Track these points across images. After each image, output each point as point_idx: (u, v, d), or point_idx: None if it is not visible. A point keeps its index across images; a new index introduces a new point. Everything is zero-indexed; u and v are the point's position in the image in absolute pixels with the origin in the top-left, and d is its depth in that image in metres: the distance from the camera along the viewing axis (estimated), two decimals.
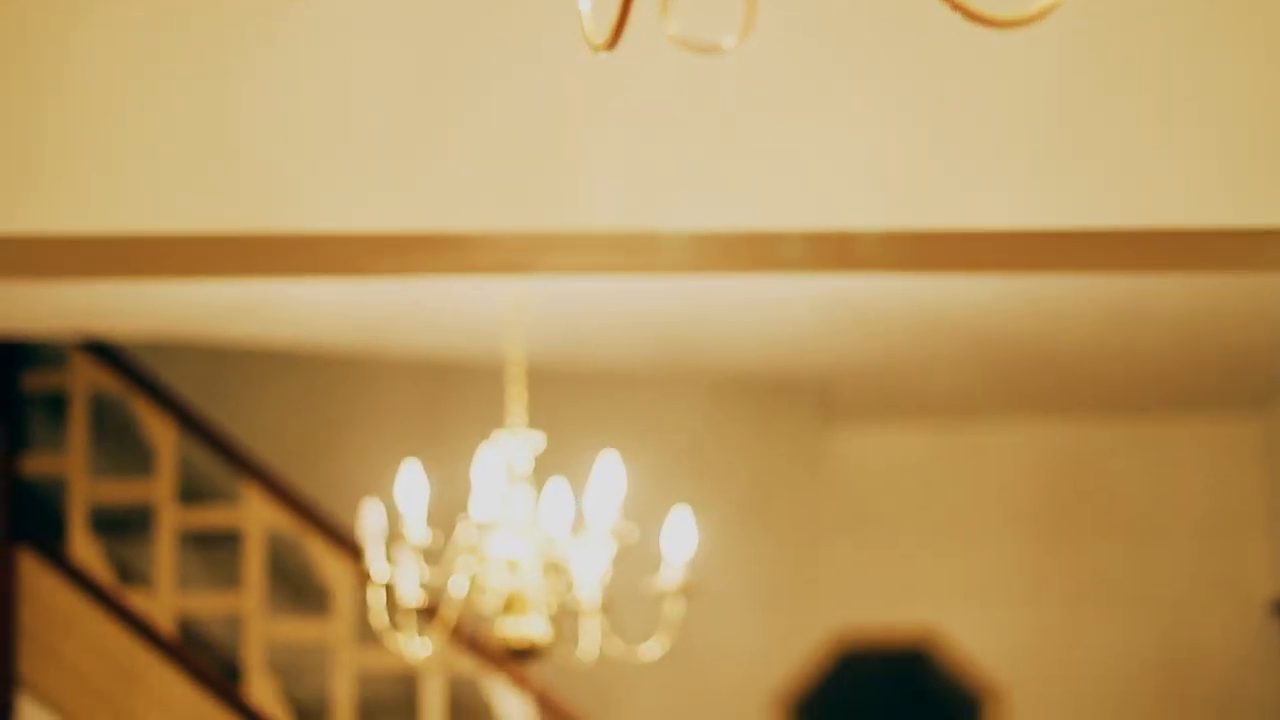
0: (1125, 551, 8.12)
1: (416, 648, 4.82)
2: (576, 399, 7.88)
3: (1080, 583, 8.10)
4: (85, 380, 7.34)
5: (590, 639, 4.68)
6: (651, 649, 4.64)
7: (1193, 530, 8.13)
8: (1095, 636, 8.06)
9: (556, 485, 4.56)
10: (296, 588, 7.91)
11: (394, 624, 4.74)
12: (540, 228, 3.64)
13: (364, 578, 5.06)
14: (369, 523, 4.60)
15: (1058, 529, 8.13)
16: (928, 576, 8.12)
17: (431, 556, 4.66)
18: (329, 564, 7.18)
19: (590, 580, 4.60)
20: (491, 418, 5.52)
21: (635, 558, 4.72)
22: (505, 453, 4.64)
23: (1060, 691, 8.04)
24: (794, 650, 8.08)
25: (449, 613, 4.70)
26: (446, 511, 4.98)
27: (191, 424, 7.34)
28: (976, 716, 8.07)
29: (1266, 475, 8.08)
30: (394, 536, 4.61)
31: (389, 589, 4.65)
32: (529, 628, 4.53)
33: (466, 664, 7.02)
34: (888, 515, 8.16)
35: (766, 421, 8.18)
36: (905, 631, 8.13)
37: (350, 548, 7.14)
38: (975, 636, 8.08)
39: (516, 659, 4.60)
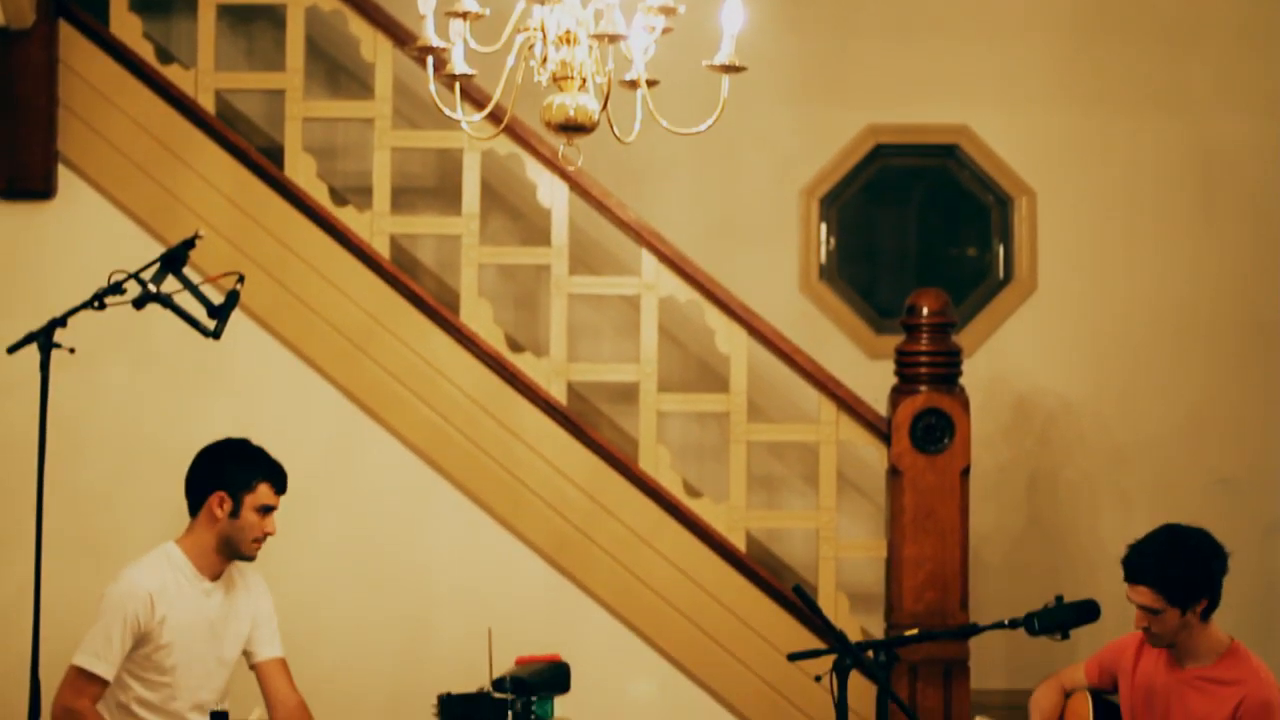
0: (1159, 54, 8.10)
1: (462, 124, 4.84)
2: None
3: (1113, 84, 8.10)
4: None
5: (634, 116, 4.70)
6: (693, 128, 4.66)
7: (1228, 35, 8.09)
8: (1125, 137, 8.10)
9: None
10: (334, 71, 7.92)
11: (441, 99, 4.76)
12: None
13: (408, 54, 5.04)
14: None
15: (1093, 30, 8.09)
16: (961, 75, 8.12)
17: (481, 30, 4.65)
18: (369, 42, 7.17)
19: (638, 56, 4.59)
20: None
21: (677, 39, 4.71)
22: None
23: (1088, 192, 8.11)
24: (827, 144, 8.12)
25: (496, 87, 4.71)
26: None
27: None
28: (1005, 215, 8.16)
29: None
30: (446, 8, 4.59)
31: (439, 63, 4.65)
32: (577, 101, 4.55)
33: (505, 144, 7.08)
34: (923, 11, 8.11)
35: None
36: (937, 128, 8.16)
37: (390, 27, 7.13)
38: (1006, 135, 8.12)
39: (563, 133, 4.62)
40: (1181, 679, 5.77)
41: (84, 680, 5.81)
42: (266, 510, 5.98)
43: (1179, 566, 5.66)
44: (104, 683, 5.83)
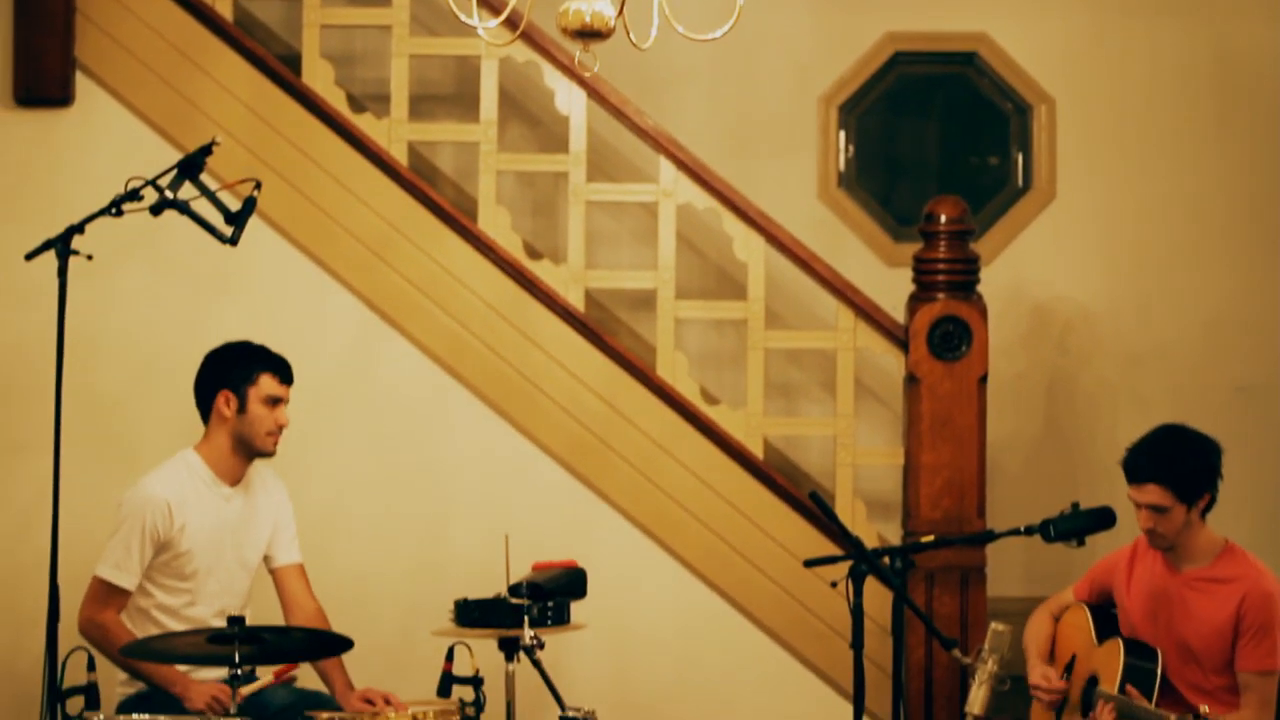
0: None
1: (478, 30, 4.82)
2: None
3: None
4: None
5: (650, 22, 4.68)
6: (710, 34, 4.65)
7: None
8: (1144, 44, 8.05)
9: None
10: None
11: (457, 5, 4.74)
12: None
13: None
14: None
15: None
16: None
17: None
18: None
19: None
20: None
21: None
22: None
23: (1108, 99, 8.07)
24: (845, 52, 8.08)
25: None
26: None
27: None
28: (1024, 122, 8.12)
29: None
30: None
31: None
32: (593, 7, 4.53)
33: (523, 50, 7.06)
34: None
35: None
36: (956, 36, 8.11)
37: None
38: (1025, 43, 8.07)
39: (579, 39, 4.61)
40: (1181, 582, 5.79)
41: (107, 591, 5.86)
42: (274, 401, 6.02)
43: (1184, 462, 5.69)
44: (127, 593, 5.88)
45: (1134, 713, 5.57)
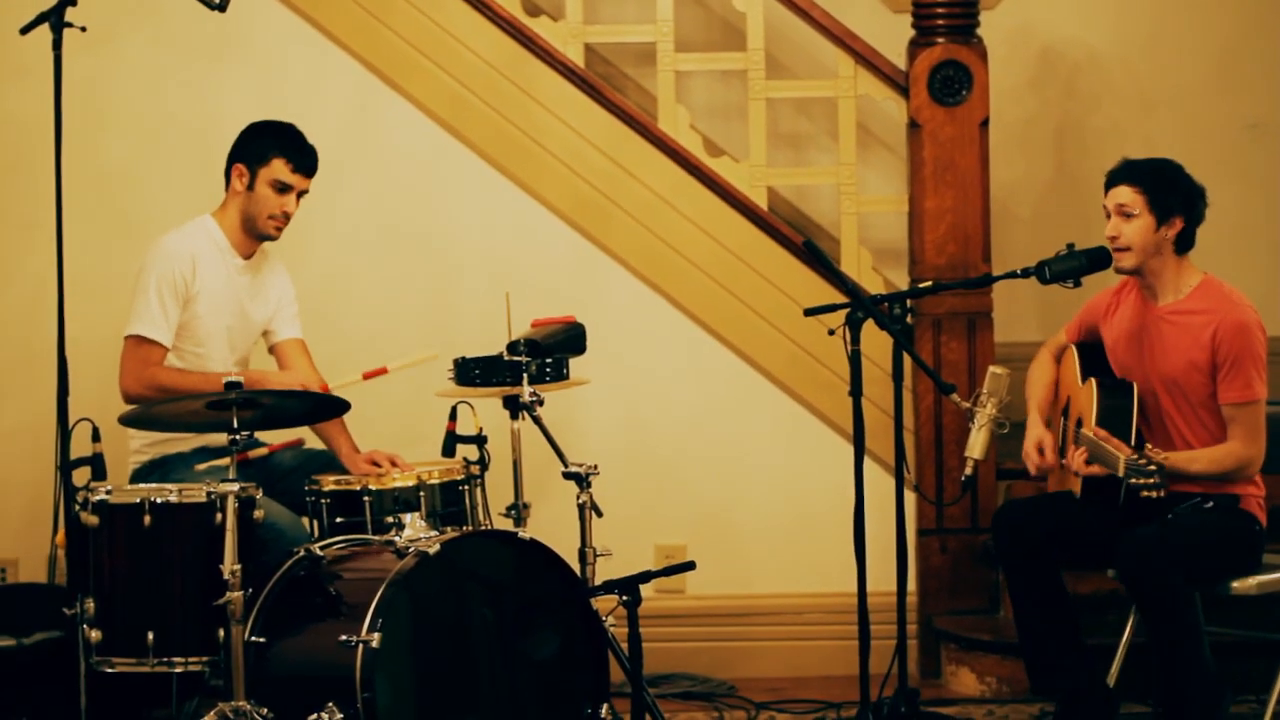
0: None
1: None
2: None
3: None
4: None
5: None
6: None
7: None
8: None
9: None
10: None
11: None
12: None
13: None
14: None
15: None
16: None
17: None
18: None
19: None
20: None
21: None
22: None
23: None
24: None
25: None
26: None
27: None
28: None
29: None
30: None
31: None
32: None
33: None
34: None
35: None
36: None
37: None
38: None
39: None
40: (1157, 316, 5.80)
41: (146, 349, 5.90)
42: (282, 188, 6.02)
43: (1162, 174, 5.75)
44: (163, 349, 5.92)
45: (1097, 452, 5.62)
